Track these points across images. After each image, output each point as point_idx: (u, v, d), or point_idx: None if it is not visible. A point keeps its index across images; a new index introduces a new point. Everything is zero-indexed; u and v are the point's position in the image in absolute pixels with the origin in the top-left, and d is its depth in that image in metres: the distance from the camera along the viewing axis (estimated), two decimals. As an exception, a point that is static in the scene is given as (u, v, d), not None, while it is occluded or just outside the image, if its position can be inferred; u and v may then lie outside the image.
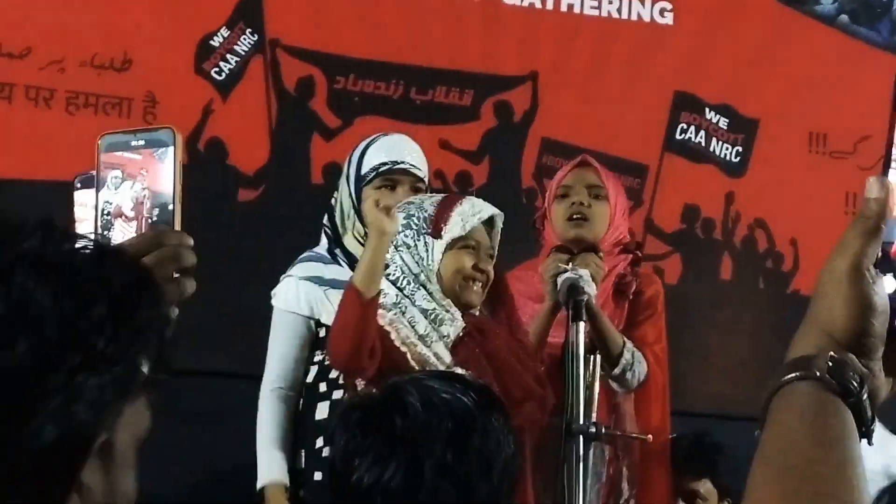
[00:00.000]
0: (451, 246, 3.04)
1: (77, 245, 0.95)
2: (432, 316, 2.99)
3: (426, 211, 3.07)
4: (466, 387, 1.82)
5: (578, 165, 3.66)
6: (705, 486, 3.99)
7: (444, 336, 2.99)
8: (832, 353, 0.99)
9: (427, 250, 3.03)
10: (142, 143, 1.45)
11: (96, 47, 4.51)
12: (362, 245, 3.34)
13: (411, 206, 3.11)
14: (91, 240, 0.96)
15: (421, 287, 3.02)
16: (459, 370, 2.80)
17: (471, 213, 3.06)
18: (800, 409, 0.97)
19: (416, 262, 3.03)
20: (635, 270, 3.65)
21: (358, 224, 3.37)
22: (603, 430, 3.16)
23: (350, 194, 3.40)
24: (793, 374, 0.99)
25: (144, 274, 0.98)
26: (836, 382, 0.98)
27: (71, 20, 4.51)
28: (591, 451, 3.17)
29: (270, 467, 3.30)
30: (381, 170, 3.36)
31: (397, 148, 3.42)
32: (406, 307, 3.00)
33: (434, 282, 3.02)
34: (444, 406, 1.75)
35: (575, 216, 3.54)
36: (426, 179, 3.45)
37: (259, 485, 3.31)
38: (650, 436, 3.40)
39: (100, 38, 4.51)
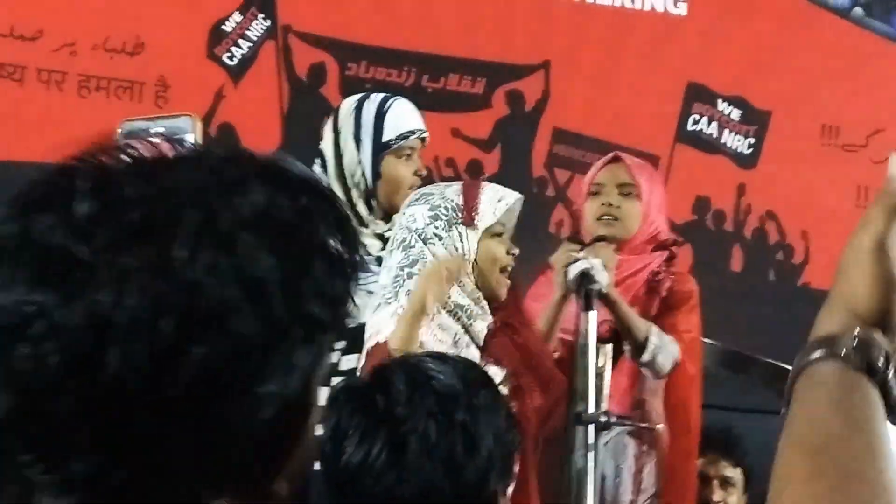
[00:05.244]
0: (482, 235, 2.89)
1: (293, 196, 0.84)
2: (466, 313, 2.85)
3: (451, 199, 2.90)
4: (453, 365, 1.80)
5: (610, 162, 3.63)
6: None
7: (476, 332, 2.85)
8: (857, 331, 0.97)
9: (462, 240, 2.87)
10: (161, 129, 1.45)
11: (108, 31, 4.51)
12: (368, 208, 3.21)
13: (432, 196, 2.92)
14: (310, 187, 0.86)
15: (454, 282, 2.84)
16: (492, 367, 2.71)
17: (496, 198, 2.94)
18: (826, 388, 0.96)
19: (450, 255, 2.84)
20: (669, 268, 3.62)
21: (369, 186, 3.17)
22: (613, 420, 3.14)
23: (357, 157, 3.19)
24: (818, 353, 0.97)
25: (350, 220, 0.86)
26: (862, 361, 0.96)
27: (83, 3, 4.52)
28: (601, 441, 3.16)
29: None
30: (409, 138, 3.20)
31: (415, 114, 3.27)
32: (436, 311, 2.81)
33: (469, 274, 2.87)
34: (428, 384, 1.74)
35: (604, 216, 3.53)
36: None
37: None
38: (660, 425, 3.38)
39: (112, 21, 4.51)
